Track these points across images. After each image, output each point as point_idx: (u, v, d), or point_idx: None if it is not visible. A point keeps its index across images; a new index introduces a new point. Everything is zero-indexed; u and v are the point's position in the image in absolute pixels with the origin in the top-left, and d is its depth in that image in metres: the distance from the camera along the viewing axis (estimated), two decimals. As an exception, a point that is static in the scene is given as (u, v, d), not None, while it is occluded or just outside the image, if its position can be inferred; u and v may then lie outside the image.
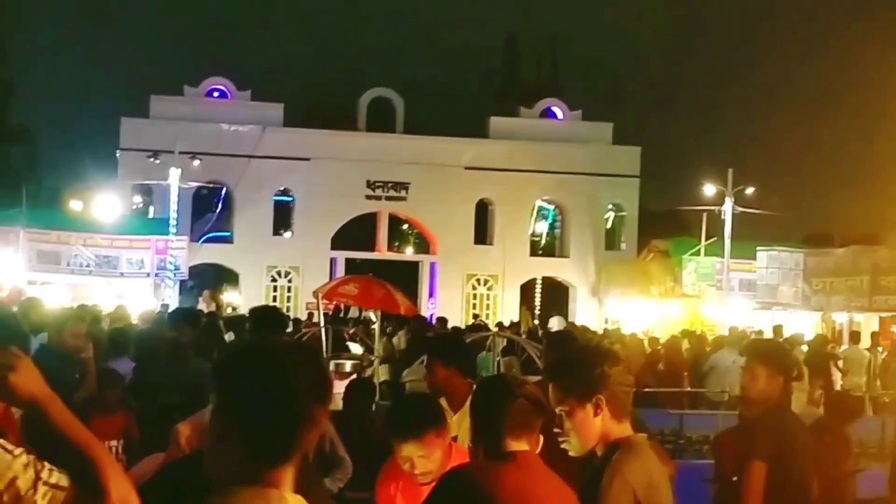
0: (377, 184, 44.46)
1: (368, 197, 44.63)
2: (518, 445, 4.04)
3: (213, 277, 46.09)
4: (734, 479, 6.75)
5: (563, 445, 4.31)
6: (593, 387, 4.24)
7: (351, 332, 24.82)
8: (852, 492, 9.30)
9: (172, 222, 37.29)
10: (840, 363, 22.56)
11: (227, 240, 44.65)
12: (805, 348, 23.80)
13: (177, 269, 36.22)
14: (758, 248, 33.28)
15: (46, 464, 2.77)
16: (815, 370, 19.91)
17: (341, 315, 35.45)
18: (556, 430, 4.29)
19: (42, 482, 2.75)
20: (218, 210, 47.05)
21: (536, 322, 38.46)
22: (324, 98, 55.04)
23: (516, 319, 37.57)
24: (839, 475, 8.80)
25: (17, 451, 2.77)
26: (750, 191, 40.47)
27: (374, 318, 22.35)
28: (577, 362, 4.39)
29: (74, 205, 44.01)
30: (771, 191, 45.61)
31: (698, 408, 19.32)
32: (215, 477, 2.60)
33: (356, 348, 22.64)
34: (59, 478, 2.77)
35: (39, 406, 2.75)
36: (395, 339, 21.46)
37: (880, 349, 24.75)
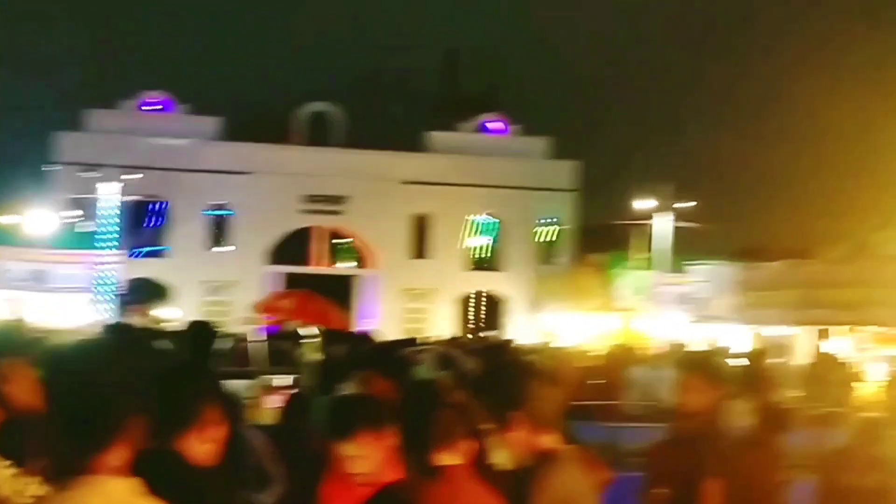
0: (315, 198, 44.38)
1: (306, 211, 44.53)
2: (447, 458, 4.06)
3: (148, 292, 45.67)
4: (663, 490, 6.82)
5: (492, 459, 4.36)
6: (514, 402, 4.30)
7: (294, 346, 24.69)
8: (783, 503, 9.40)
9: (108, 236, 36.95)
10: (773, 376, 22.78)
11: (163, 254, 44.36)
12: (740, 361, 24.04)
13: (112, 283, 35.93)
14: (692, 262, 33.58)
15: (29, 475, 2.88)
16: (748, 383, 20.08)
17: (285, 330, 35.25)
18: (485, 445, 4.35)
19: (25, 494, 2.84)
20: (154, 224, 46.70)
21: (473, 336, 38.48)
22: (261, 112, 54.82)
23: (453, 333, 37.61)
24: (769, 487, 8.89)
25: (5, 462, 2.85)
26: (685, 205, 40.86)
27: (309, 333, 22.28)
28: (498, 379, 4.45)
29: (7, 220, 43.47)
30: (706, 205, 45.97)
31: (640, 421, 19.42)
32: (54, 470, 2.82)
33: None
34: (37, 489, 2.85)
35: (31, 416, 2.87)
36: (330, 353, 21.37)
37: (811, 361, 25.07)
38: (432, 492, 3.97)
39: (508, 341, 28.50)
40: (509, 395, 4.33)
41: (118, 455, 2.79)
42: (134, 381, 2.93)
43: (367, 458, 4.96)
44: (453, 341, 30.75)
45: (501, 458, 4.36)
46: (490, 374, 4.62)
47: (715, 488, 6.57)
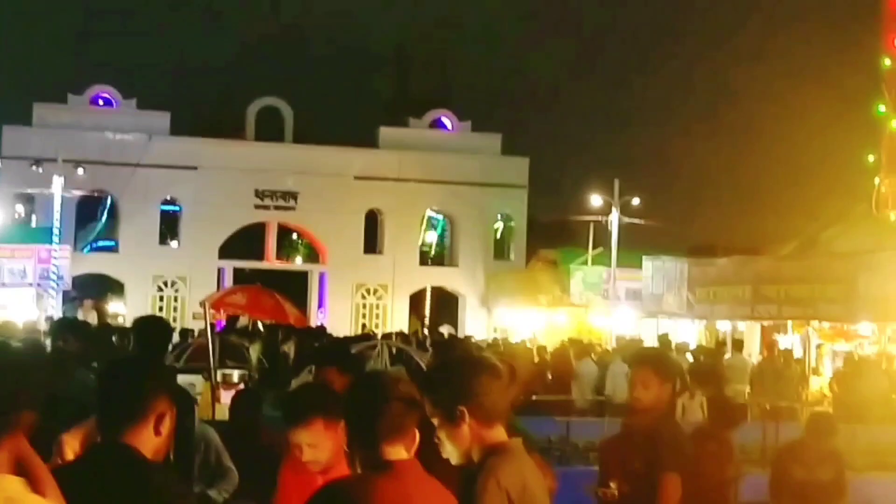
0: (266, 193, 44.20)
1: (257, 206, 44.34)
2: (395, 452, 4.02)
3: (97, 287, 45.34)
4: (612, 484, 6.85)
5: (443, 455, 4.35)
6: (458, 397, 4.30)
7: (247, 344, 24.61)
8: (734, 497, 9.46)
9: (55, 231, 36.63)
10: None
11: (112, 249, 44.06)
12: (691, 356, 24.23)
13: (60, 278, 35.64)
14: (643, 257, 33.72)
15: None
16: (699, 378, 20.22)
17: (237, 325, 35.13)
18: (435, 439, 4.33)
19: None
20: (103, 219, 46.38)
21: (426, 331, 38.52)
22: (211, 107, 54.55)
23: (406, 329, 37.63)
24: (721, 481, 8.94)
25: None
26: (636, 201, 41.02)
27: (262, 328, 22.20)
28: (442, 374, 4.46)
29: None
30: (657, 201, 46.20)
31: (586, 415, 19.54)
32: None
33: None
34: None
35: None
36: (283, 349, 21.35)
37: (761, 356, 25.30)
38: (380, 487, 3.93)
39: (460, 337, 28.61)
40: (457, 389, 4.33)
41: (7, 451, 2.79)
42: (27, 378, 2.91)
43: (320, 445, 5.01)
44: (406, 337, 30.85)
45: (450, 453, 4.35)
46: (438, 369, 4.61)
47: (672, 483, 6.60)
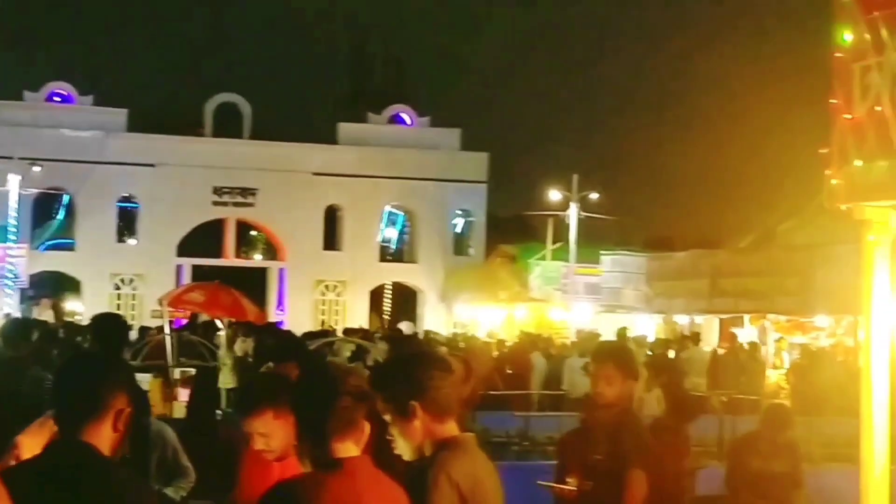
0: (224, 190, 44.02)
1: (215, 203, 44.15)
2: (345, 449, 4.00)
3: (54, 286, 45.01)
4: (569, 480, 6.86)
5: (395, 453, 4.36)
6: (409, 393, 4.31)
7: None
8: (691, 489, 9.50)
9: (12, 229, 36.34)
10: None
11: (69, 247, 43.74)
12: (649, 350, 24.30)
13: (16, 277, 35.39)
14: (602, 252, 33.83)
15: None
16: (657, 372, 20.30)
17: (198, 322, 34.95)
18: (387, 436, 4.34)
19: None
20: (60, 217, 46.03)
21: (386, 327, 38.47)
22: (169, 104, 54.30)
23: (366, 325, 37.57)
24: (678, 473, 8.97)
25: None
26: (594, 196, 41.16)
27: (220, 325, 22.11)
28: (394, 369, 4.47)
29: None
30: (616, 196, 46.40)
31: (545, 409, 19.59)
32: None
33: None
34: None
35: None
36: (237, 346, 21.22)
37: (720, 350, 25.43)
38: (330, 486, 3.91)
39: (420, 333, 28.60)
40: (409, 384, 4.34)
41: None
42: None
43: (271, 434, 5.06)
44: (366, 333, 30.81)
45: (402, 448, 4.36)
46: (389, 364, 4.62)
47: (639, 480, 6.62)
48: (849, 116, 4.83)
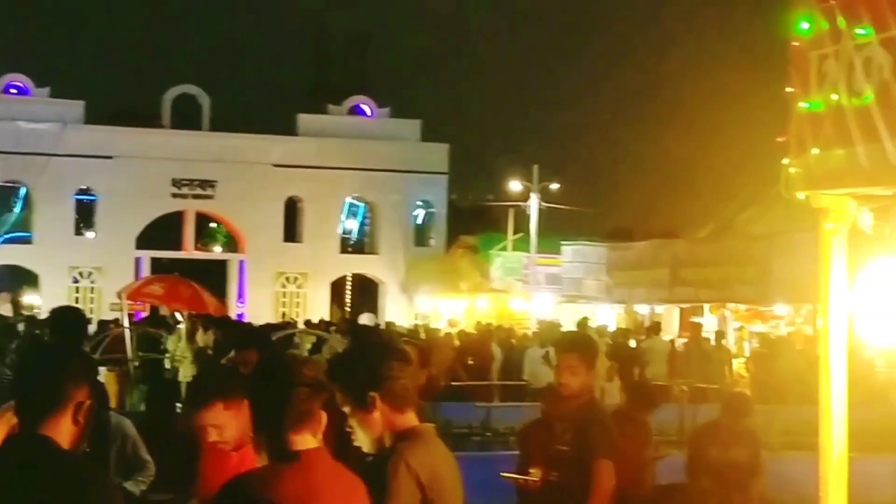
0: (183, 182, 43.79)
1: (174, 195, 43.91)
2: (302, 441, 3.98)
3: (11, 279, 44.64)
4: (532, 471, 6.86)
5: (355, 443, 4.35)
6: (367, 385, 4.29)
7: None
8: (652, 478, 9.53)
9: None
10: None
11: (27, 240, 43.39)
12: (609, 340, 24.38)
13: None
14: (562, 243, 33.91)
15: None
16: (617, 362, 20.39)
17: (154, 316, 34.76)
18: (346, 428, 4.33)
19: None
20: (16, 210, 45.65)
21: (346, 319, 38.42)
22: (127, 95, 53.98)
23: (327, 317, 37.50)
24: (639, 462, 9.00)
25: None
26: (555, 187, 41.25)
27: (179, 318, 21.99)
28: (350, 362, 4.45)
29: None
30: (576, 187, 46.54)
31: (506, 400, 19.61)
32: None
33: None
34: None
35: None
36: (198, 338, 21.10)
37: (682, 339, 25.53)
38: (286, 479, 3.89)
39: (381, 324, 28.55)
40: (368, 376, 4.32)
41: None
42: None
43: (223, 426, 5.05)
44: (327, 325, 30.75)
45: (362, 439, 4.35)
46: (347, 356, 4.60)
47: (607, 470, 6.63)
48: (806, 105, 4.84)
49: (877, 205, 4.69)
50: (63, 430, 3.76)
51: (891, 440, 14.23)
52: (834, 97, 4.64)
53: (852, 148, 4.52)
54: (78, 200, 43.65)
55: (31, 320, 24.06)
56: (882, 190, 4.59)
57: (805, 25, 4.88)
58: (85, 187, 43.44)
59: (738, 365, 24.60)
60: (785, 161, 4.93)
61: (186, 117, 44.73)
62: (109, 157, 42.60)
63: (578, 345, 7.27)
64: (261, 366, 4.96)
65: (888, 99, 4.34)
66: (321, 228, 45.38)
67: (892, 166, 4.33)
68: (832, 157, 4.66)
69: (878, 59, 4.42)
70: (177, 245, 45.29)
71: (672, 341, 25.26)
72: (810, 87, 4.82)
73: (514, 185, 41.56)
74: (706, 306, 27.17)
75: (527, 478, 6.95)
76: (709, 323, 27.00)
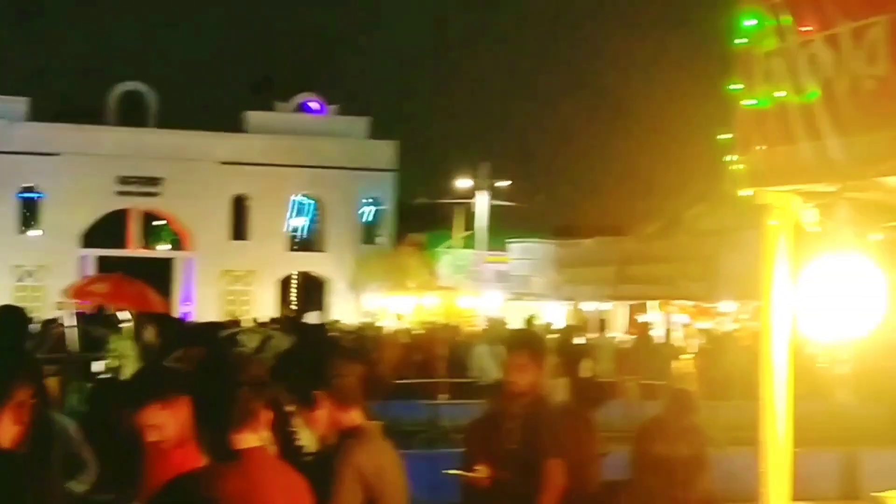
0: (129, 179, 43.49)
1: (120, 193, 43.61)
2: (244, 440, 3.94)
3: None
4: (477, 468, 6.85)
5: (297, 442, 4.33)
6: (312, 383, 4.27)
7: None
8: (598, 475, 9.55)
9: None
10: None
11: (-30, 239, 42.93)
12: (555, 337, 24.44)
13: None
14: (510, 240, 33.96)
15: None
16: (563, 359, 20.41)
17: (99, 314, 34.44)
18: (291, 428, 4.31)
19: None
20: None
21: (292, 317, 38.25)
22: (73, 92, 53.44)
23: (275, 315, 37.33)
24: (585, 460, 9.01)
25: None
26: (504, 184, 41.30)
27: (125, 317, 21.80)
28: (294, 361, 4.43)
29: None
30: (525, 184, 46.60)
31: (454, 398, 19.59)
32: None
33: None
34: None
35: None
36: (144, 336, 20.94)
37: (629, 336, 25.65)
38: (229, 477, 3.85)
39: (328, 322, 28.47)
40: (313, 374, 4.30)
41: None
42: None
43: (162, 425, 5.02)
44: (274, 323, 30.60)
45: (306, 438, 4.33)
46: (292, 355, 4.58)
47: (557, 469, 6.64)
48: (751, 102, 4.86)
49: (821, 201, 4.71)
50: (5, 430, 3.72)
51: (834, 434, 14.38)
52: (778, 94, 4.67)
53: (796, 145, 4.55)
54: (22, 198, 43.23)
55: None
56: (826, 186, 4.62)
57: (751, 23, 4.90)
58: (29, 185, 43.03)
59: (685, 361, 24.74)
60: (730, 158, 4.95)
61: (132, 114, 44.44)
62: (54, 155, 42.24)
63: (528, 343, 7.28)
64: (204, 364, 4.92)
65: (831, 96, 4.37)
66: (269, 226, 45.21)
67: (835, 163, 4.36)
68: (776, 153, 4.68)
69: (821, 57, 4.45)
70: (123, 243, 44.97)
71: (621, 338, 25.38)
72: (755, 84, 4.84)
73: (463, 183, 41.57)
74: (653, 303, 27.28)
75: (474, 475, 6.94)
76: (656, 319, 27.12)
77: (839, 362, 20.60)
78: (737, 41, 4.95)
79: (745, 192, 4.81)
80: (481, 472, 6.93)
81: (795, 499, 4.64)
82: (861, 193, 4.65)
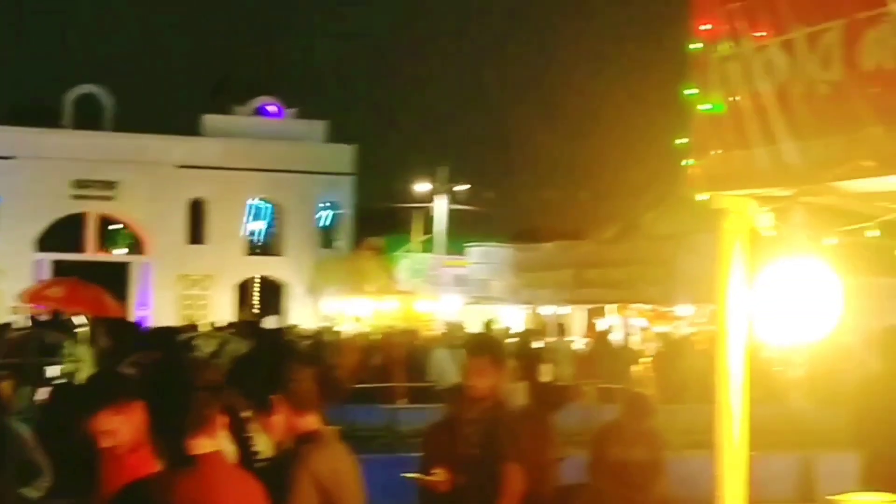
0: (85, 183, 43.16)
1: (76, 196, 43.28)
2: (199, 445, 3.93)
3: None
4: (435, 472, 6.85)
5: (253, 447, 4.32)
6: (268, 388, 4.26)
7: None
8: (556, 478, 9.57)
9: None
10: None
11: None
12: (514, 341, 24.47)
13: None
14: (469, 244, 33.99)
15: None
16: (521, 363, 20.44)
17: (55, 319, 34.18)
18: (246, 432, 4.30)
19: None
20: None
21: (251, 321, 38.12)
22: (28, 95, 53.07)
23: (233, 319, 37.19)
24: (543, 463, 9.04)
25: None
26: (462, 188, 41.34)
27: (81, 322, 21.65)
28: (252, 365, 4.42)
29: None
30: (483, 188, 46.69)
31: (412, 402, 19.58)
32: None
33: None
34: None
35: None
36: (98, 341, 20.80)
37: (586, 340, 25.73)
38: (185, 483, 3.83)
39: (286, 326, 28.38)
40: (269, 378, 4.29)
41: None
42: None
43: (115, 431, 4.99)
44: (231, 327, 30.48)
45: (263, 443, 4.32)
46: (248, 360, 4.57)
47: (516, 474, 6.66)
48: (706, 106, 4.88)
49: (776, 205, 4.74)
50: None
51: (790, 438, 14.47)
52: (734, 98, 4.69)
53: (752, 149, 4.57)
54: (-24, 202, 42.85)
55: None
56: (781, 191, 4.64)
57: (706, 27, 4.92)
58: (-15, 189, 42.66)
59: (643, 365, 24.85)
60: (686, 162, 4.97)
61: (89, 117, 44.13)
62: (9, 158, 41.90)
63: (488, 347, 7.30)
64: (159, 369, 4.91)
65: (787, 101, 4.40)
66: (226, 230, 45.01)
67: (790, 167, 4.38)
68: (732, 157, 4.70)
69: (777, 62, 4.47)
70: (79, 247, 44.62)
71: (580, 341, 25.45)
72: (711, 89, 4.86)
73: (422, 187, 41.57)
74: (611, 307, 27.37)
75: (432, 478, 6.93)
76: (614, 323, 27.22)
77: (793, 366, 20.74)
78: (692, 46, 4.97)
79: (701, 197, 4.83)
80: (439, 475, 6.93)
81: (751, 502, 4.66)
82: (816, 198, 4.68)
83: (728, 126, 4.72)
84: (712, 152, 4.82)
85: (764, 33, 4.55)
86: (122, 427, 5.01)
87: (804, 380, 20.70)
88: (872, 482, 8.28)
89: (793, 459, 14.09)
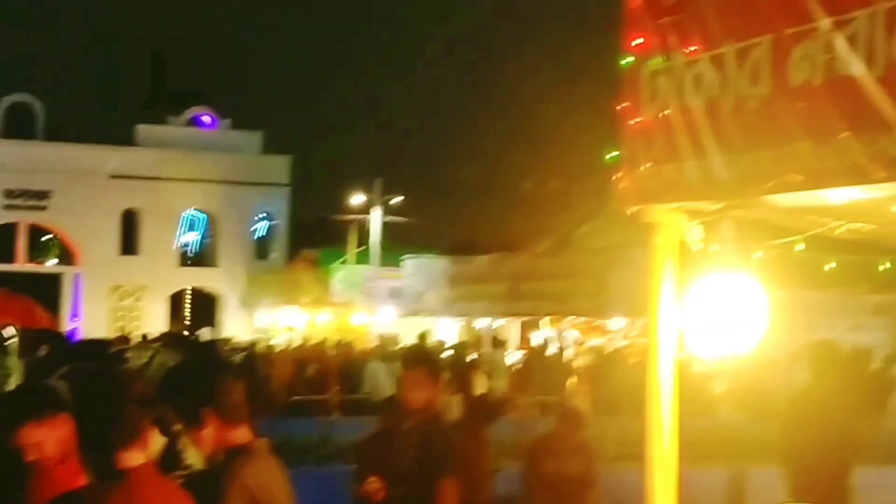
0: (16, 192, 42.66)
1: (7, 206, 42.79)
2: (129, 458, 3.89)
3: None
4: (370, 480, 6.84)
5: (185, 462, 4.28)
6: (199, 401, 4.22)
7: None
8: (490, 491, 9.58)
9: None
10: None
11: None
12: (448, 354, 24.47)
13: None
14: (404, 256, 33.96)
15: None
16: (455, 376, 20.44)
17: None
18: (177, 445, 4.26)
19: None
20: None
21: (184, 334, 37.82)
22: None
23: (164, 331, 36.86)
24: (477, 476, 9.04)
25: None
26: (398, 200, 41.31)
27: (9, 333, 21.36)
28: (182, 378, 4.38)
29: None
30: (419, 200, 46.68)
31: (347, 414, 19.51)
32: None
33: None
34: None
35: None
36: (28, 354, 20.56)
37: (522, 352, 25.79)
38: (114, 497, 3.80)
39: (220, 338, 28.19)
40: (200, 392, 4.25)
41: None
42: None
43: (41, 443, 4.94)
44: (163, 339, 30.18)
45: (193, 457, 4.28)
46: (179, 372, 4.52)
47: (451, 489, 6.66)
48: (637, 120, 4.91)
49: (706, 219, 4.78)
50: None
51: (721, 451, 14.56)
52: (664, 112, 4.72)
53: (682, 163, 4.60)
54: None
55: None
56: (710, 204, 4.68)
57: (638, 42, 4.95)
58: (-87, 199, 42.06)
59: (576, 378, 24.94)
60: (617, 176, 5.00)
61: (20, 126, 43.62)
62: (-61, 167, 41.36)
63: (424, 360, 7.30)
64: (89, 381, 4.85)
65: (716, 115, 4.43)
66: (159, 241, 44.66)
67: (719, 181, 4.41)
68: (663, 171, 4.73)
69: (707, 76, 4.51)
70: (9, 258, 44.06)
71: (512, 355, 25.51)
72: (642, 102, 4.89)
73: (357, 199, 41.49)
74: (545, 320, 27.48)
75: (368, 487, 6.92)
76: (548, 336, 27.31)
77: (719, 380, 20.94)
78: (624, 60, 5.00)
79: (631, 210, 4.85)
80: (374, 482, 6.92)
81: (681, 514, 4.68)
82: (745, 212, 4.72)
83: (658, 140, 4.75)
84: (642, 166, 4.85)
85: (695, 48, 4.59)
86: (46, 440, 4.96)
87: (730, 393, 20.88)
88: (800, 496, 8.36)
89: (724, 472, 14.18)
